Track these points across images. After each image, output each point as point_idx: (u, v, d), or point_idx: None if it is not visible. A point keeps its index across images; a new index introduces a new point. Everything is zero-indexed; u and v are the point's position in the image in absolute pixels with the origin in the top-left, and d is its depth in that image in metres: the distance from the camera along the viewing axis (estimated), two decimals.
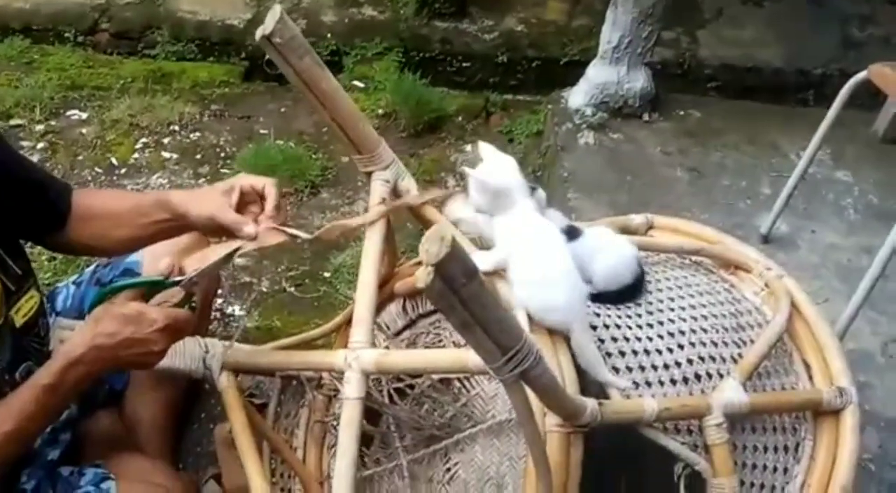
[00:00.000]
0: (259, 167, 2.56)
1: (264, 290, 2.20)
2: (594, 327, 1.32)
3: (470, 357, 1.08)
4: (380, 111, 2.90)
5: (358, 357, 1.19)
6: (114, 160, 2.63)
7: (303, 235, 1.24)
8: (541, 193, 1.38)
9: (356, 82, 3.11)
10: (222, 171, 2.64)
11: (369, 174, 1.32)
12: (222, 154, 2.72)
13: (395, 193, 1.32)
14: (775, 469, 1.38)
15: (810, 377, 1.44)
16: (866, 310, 1.85)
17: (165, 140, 2.74)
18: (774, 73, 3.24)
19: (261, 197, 1.27)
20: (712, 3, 3.51)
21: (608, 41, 2.56)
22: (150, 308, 1.16)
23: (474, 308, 0.83)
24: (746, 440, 1.36)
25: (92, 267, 1.65)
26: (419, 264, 1.51)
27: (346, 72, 3.18)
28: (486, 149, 1.34)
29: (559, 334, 1.25)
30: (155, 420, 1.64)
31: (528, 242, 1.25)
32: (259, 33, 1.15)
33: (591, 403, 1.16)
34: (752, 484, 1.35)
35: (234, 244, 1.23)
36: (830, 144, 2.05)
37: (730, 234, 1.69)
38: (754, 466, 1.36)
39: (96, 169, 2.59)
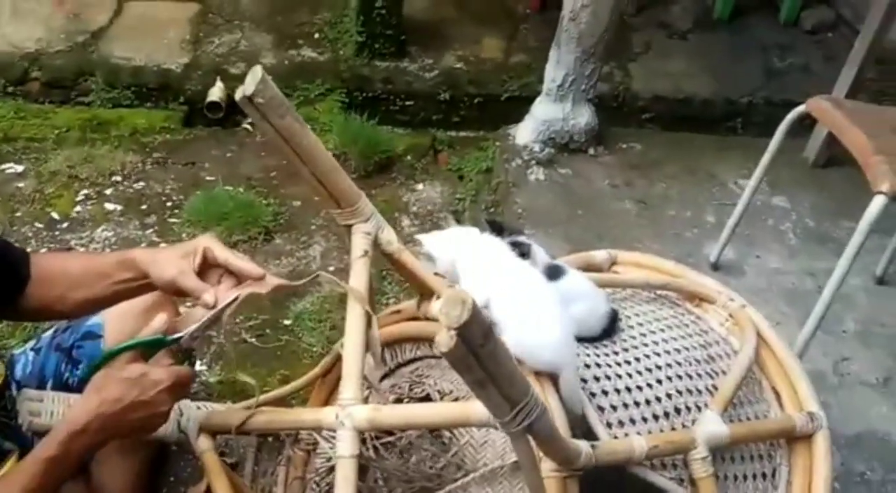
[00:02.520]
0: (210, 215, 2.52)
1: (224, 342, 2.14)
2: None
3: (472, 411, 1.08)
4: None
5: (350, 415, 1.17)
6: (54, 215, 2.54)
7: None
8: (535, 249, 1.41)
9: None
10: (170, 220, 2.58)
11: (348, 227, 1.31)
12: (169, 203, 2.66)
13: (377, 244, 1.31)
14: None
15: (780, 404, 1.50)
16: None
17: (108, 191, 2.66)
18: (704, 103, 3.38)
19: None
20: (641, 37, 3.65)
21: (552, 79, 2.63)
22: (154, 369, 1.14)
23: (489, 366, 0.84)
24: (727, 470, 1.40)
25: (50, 332, 1.59)
26: (397, 312, 1.53)
27: None
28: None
29: (545, 376, 1.27)
30: (123, 489, 1.57)
31: (511, 281, 1.26)
32: (239, 94, 1.13)
33: (584, 446, 1.18)
34: None
35: (231, 295, 1.21)
36: (765, 171, 2.16)
37: (681, 263, 1.75)
38: None
39: (36, 224, 2.49)
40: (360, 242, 1.29)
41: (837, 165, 2.79)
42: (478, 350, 0.80)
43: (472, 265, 1.30)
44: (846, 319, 2.23)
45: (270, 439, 1.56)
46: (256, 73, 1.14)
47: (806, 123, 2.79)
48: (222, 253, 1.23)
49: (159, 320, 1.19)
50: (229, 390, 1.95)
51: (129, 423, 1.12)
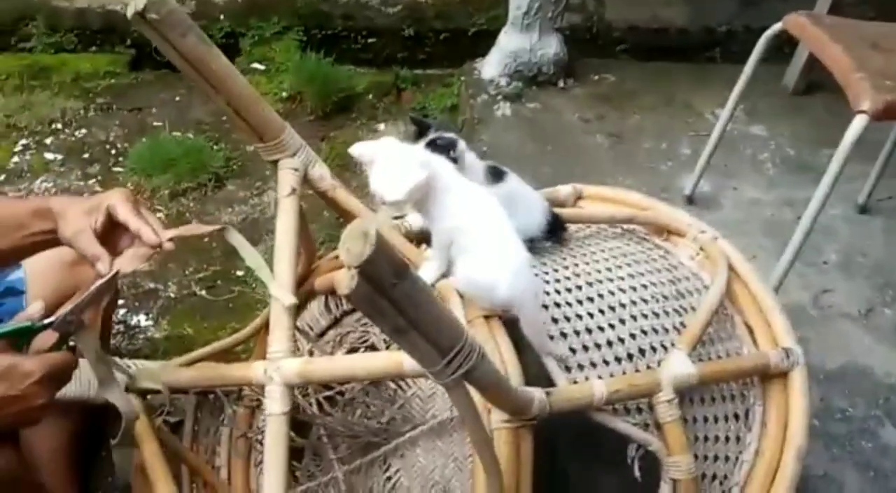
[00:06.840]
0: (155, 162, 2.38)
1: (172, 295, 2.02)
2: None
3: (405, 359, 0.97)
4: (284, 94, 2.74)
5: (279, 369, 1.07)
6: None
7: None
8: (462, 148, 1.25)
9: (256, 65, 2.93)
10: (114, 169, 2.44)
11: (275, 163, 1.18)
12: (113, 151, 2.51)
13: (307, 181, 1.19)
14: (727, 439, 1.33)
15: (754, 341, 1.40)
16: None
17: (48, 140, 2.51)
18: (680, 32, 3.23)
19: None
20: None
21: (518, 7, 2.47)
22: (22, 359, 0.99)
23: (408, 310, 0.72)
24: (696, 413, 1.30)
25: None
26: (338, 257, 1.41)
27: (244, 55, 2.99)
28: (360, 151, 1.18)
29: (495, 320, 1.16)
30: (56, 453, 1.48)
31: (468, 220, 1.13)
32: (130, 10, 0.99)
33: (537, 394, 1.08)
34: (706, 457, 1.30)
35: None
36: (743, 99, 2.03)
37: (655, 197, 1.63)
38: (706, 438, 1.31)
39: None
40: (286, 179, 1.16)
41: (817, 91, 2.67)
42: (389, 291, 0.68)
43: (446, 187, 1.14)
44: (827, 250, 2.13)
45: (211, 398, 1.46)
46: None
47: (786, 51, 2.67)
48: (123, 211, 1.10)
49: (34, 307, 1.06)
50: (175, 345, 1.83)
51: (2, 420, 0.98)
